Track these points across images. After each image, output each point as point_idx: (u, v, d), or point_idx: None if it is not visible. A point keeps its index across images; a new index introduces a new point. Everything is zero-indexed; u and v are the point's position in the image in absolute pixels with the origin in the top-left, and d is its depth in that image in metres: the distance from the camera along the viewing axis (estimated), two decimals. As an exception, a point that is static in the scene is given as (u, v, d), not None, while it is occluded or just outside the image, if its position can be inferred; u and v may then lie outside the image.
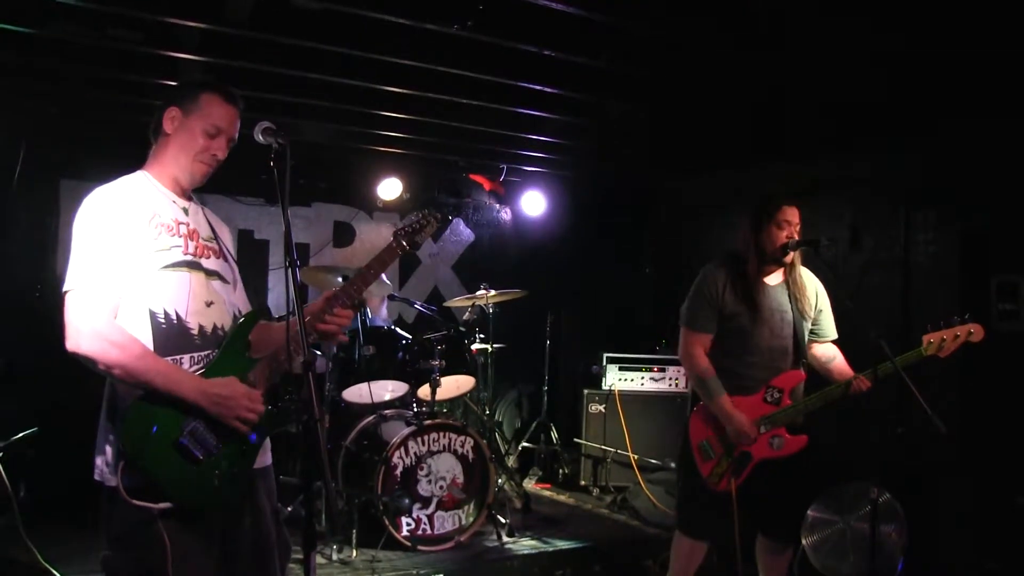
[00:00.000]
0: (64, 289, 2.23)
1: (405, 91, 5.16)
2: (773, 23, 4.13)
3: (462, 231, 7.82)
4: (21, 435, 4.82)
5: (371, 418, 5.14)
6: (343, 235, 7.17)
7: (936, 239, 5.18)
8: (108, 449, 2.27)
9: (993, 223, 4.77)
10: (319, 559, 4.51)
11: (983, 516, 4.49)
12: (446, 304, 6.32)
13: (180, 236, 2.40)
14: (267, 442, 2.49)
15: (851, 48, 4.37)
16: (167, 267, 2.33)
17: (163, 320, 2.30)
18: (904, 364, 3.41)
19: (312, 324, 2.44)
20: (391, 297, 5.76)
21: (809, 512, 4.67)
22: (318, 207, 7.04)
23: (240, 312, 2.53)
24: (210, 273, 2.45)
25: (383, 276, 5.85)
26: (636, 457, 6.32)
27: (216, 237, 2.55)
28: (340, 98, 5.31)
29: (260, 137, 2.36)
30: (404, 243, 2.63)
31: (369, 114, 5.66)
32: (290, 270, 2.19)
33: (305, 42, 4.43)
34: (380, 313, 5.75)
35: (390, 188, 6.94)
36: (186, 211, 2.48)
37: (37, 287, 5.77)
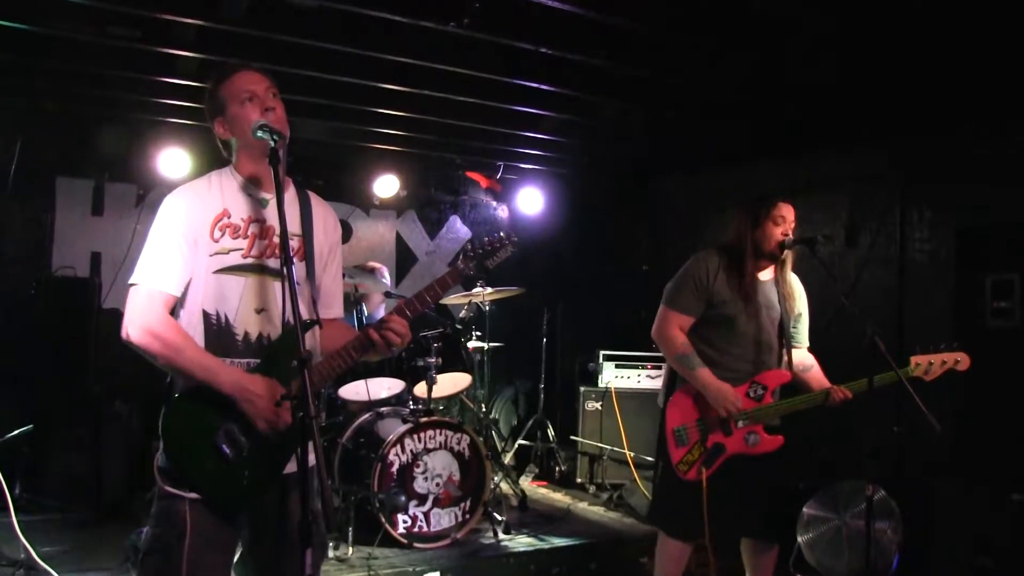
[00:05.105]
0: (129, 282, 2.34)
1: (402, 88, 5.16)
2: (768, 21, 4.14)
3: (458, 228, 7.82)
4: (16, 432, 4.82)
5: (367, 415, 5.13)
6: (340, 232, 7.16)
7: (932, 237, 5.19)
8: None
9: (988, 221, 4.78)
10: (315, 556, 4.52)
11: (979, 513, 4.49)
12: (443, 301, 6.30)
13: (246, 237, 2.40)
14: (308, 446, 2.31)
15: (848, 47, 4.38)
16: (222, 270, 2.37)
17: (214, 322, 2.38)
18: (886, 381, 3.47)
19: (368, 335, 2.45)
20: (388, 295, 5.75)
21: (805, 509, 4.69)
22: (314, 205, 7.02)
23: (292, 319, 2.35)
24: (276, 274, 2.41)
25: (384, 274, 5.84)
26: (632, 454, 6.32)
27: (305, 233, 2.49)
28: (336, 95, 5.31)
29: (256, 134, 2.35)
30: (472, 266, 2.55)
31: (366, 111, 5.66)
32: (286, 268, 2.19)
33: (301, 39, 4.43)
34: (377, 310, 5.75)
35: (386, 185, 6.94)
36: (264, 203, 2.45)
37: (32, 284, 5.75)
